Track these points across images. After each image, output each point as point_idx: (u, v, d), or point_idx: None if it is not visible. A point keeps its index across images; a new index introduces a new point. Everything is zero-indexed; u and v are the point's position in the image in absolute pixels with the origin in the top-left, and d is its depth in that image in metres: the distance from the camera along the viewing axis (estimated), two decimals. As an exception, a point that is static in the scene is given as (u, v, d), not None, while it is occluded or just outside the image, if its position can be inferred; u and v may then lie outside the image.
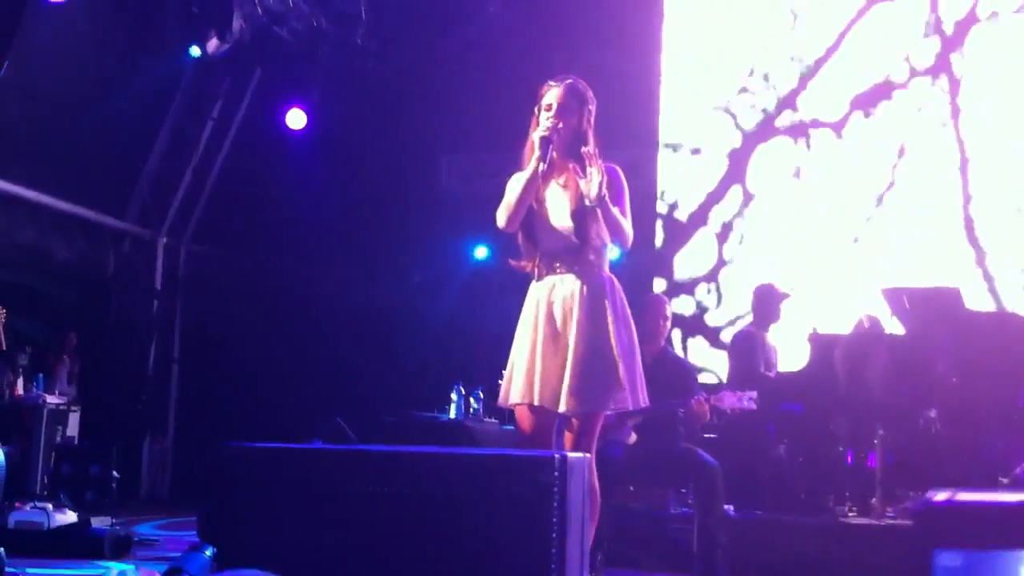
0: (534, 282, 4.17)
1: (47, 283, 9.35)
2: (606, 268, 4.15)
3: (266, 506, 3.22)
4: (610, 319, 4.04)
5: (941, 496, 2.64)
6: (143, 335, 9.79)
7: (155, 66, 9.09)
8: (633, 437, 5.92)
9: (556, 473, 3.03)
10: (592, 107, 4.16)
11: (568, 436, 4.04)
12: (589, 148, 4.10)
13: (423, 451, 3.30)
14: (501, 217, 4.12)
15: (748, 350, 6.67)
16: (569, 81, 4.15)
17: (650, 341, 5.93)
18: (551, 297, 4.08)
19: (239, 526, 3.25)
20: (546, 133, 4.05)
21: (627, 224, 4.06)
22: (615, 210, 4.03)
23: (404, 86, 9.39)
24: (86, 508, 6.87)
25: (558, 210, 4.11)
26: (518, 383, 4.06)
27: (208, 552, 3.91)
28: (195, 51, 8.92)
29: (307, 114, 9.45)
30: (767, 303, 6.93)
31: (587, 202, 3.99)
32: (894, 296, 6.24)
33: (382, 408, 7.53)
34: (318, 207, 9.61)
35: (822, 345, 6.31)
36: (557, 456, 3.07)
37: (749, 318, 7.04)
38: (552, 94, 4.11)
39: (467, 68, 9.32)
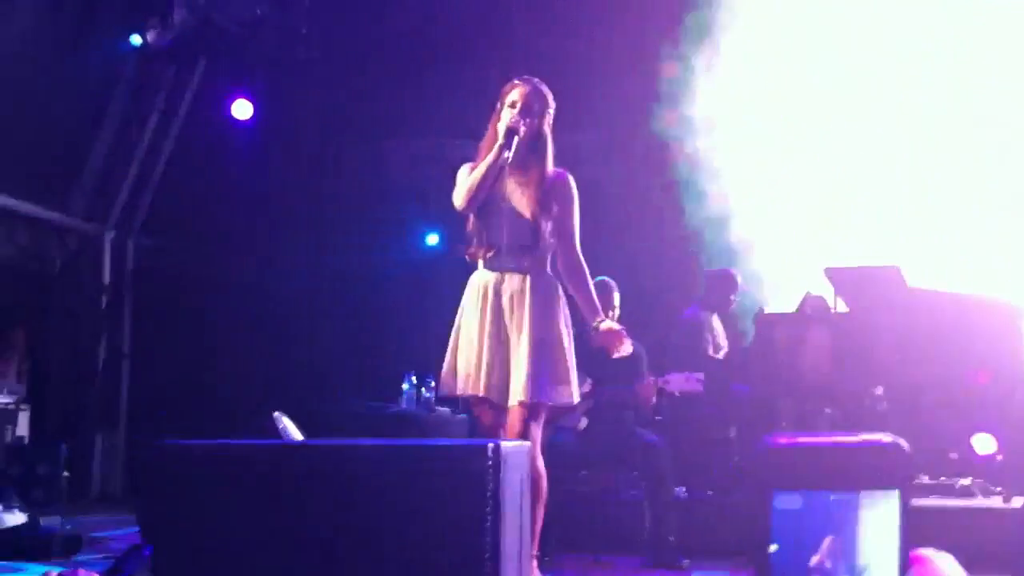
0: (480, 270, 4.25)
1: (-9, 281, 9.22)
2: (549, 265, 4.28)
3: (199, 503, 3.21)
4: (558, 316, 4.19)
5: (781, 439, 2.71)
6: (92, 331, 9.67)
7: (97, 57, 8.96)
8: (584, 422, 5.95)
9: (489, 462, 3.04)
10: (552, 111, 4.30)
11: (513, 426, 4.11)
12: (548, 155, 4.22)
13: (356, 443, 3.31)
14: (460, 198, 4.24)
15: (695, 332, 6.72)
16: (535, 82, 4.30)
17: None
18: (500, 290, 4.19)
19: (174, 524, 3.24)
20: (514, 124, 4.18)
21: (576, 244, 4.27)
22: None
23: (348, 73, 9.32)
24: (36, 508, 6.79)
25: (515, 208, 4.21)
26: (464, 374, 4.19)
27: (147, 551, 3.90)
28: (136, 40, 8.79)
29: (253, 104, 9.36)
30: (720, 289, 6.96)
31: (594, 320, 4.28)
32: (837, 275, 6.30)
33: (335, 399, 7.51)
34: (267, 197, 9.54)
35: (767, 325, 6.37)
36: (491, 445, 3.09)
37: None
38: (517, 92, 4.26)
39: (412, 54, 9.27)
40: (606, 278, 5.83)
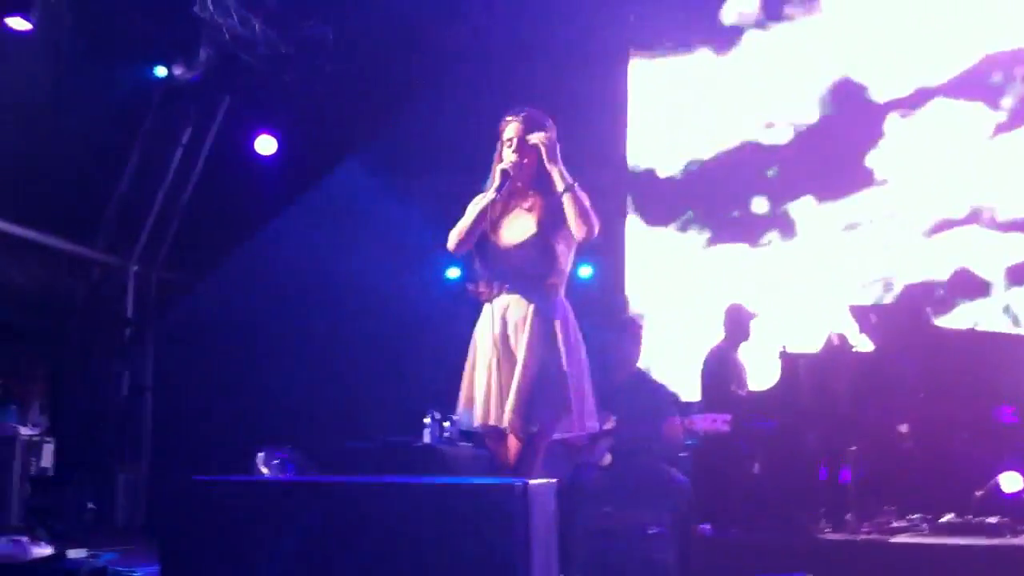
0: (489, 302, 4.21)
1: (15, 313, 9.25)
2: (562, 292, 4.24)
3: (222, 540, 3.18)
4: (560, 342, 4.11)
5: (706, 530, 2.72)
6: (115, 364, 9.72)
7: (123, 92, 9.04)
8: (608, 459, 5.94)
9: (519, 502, 3.03)
10: (551, 133, 4.24)
11: (510, 453, 4.07)
12: (555, 177, 4.18)
13: (384, 481, 3.29)
14: (452, 240, 4.24)
15: (719, 369, 6.73)
16: (524, 114, 4.26)
17: (625, 363, 5.96)
18: (505, 317, 4.15)
19: (196, 561, 3.22)
20: (507, 167, 4.17)
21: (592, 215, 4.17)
22: (583, 195, 4.15)
23: (372, 110, 9.39)
24: (61, 540, 6.81)
25: (520, 232, 4.19)
26: (480, 406, 4.13)
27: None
28: (161, 71, 8.87)
29: (277, 139, 9.43)
30: (737, 322, 7.00)
31: (558, 188, 4.13)
32: (861, 313, 6.31)
33: (357, 434, 7.52)
34: (289, 232, 9.59)
35: (791, 363, 6.37)
36: (519, 485, 3.06)
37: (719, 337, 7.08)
38: (511, 128, 4.23)
39: (433, 92, 9.34)
40: (635, 316, 5.84)
